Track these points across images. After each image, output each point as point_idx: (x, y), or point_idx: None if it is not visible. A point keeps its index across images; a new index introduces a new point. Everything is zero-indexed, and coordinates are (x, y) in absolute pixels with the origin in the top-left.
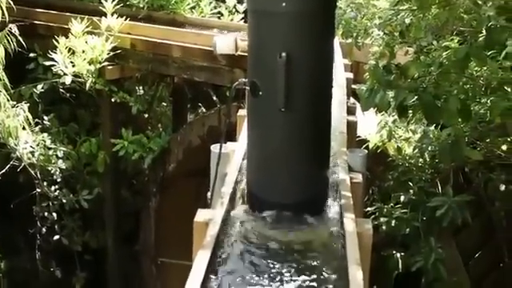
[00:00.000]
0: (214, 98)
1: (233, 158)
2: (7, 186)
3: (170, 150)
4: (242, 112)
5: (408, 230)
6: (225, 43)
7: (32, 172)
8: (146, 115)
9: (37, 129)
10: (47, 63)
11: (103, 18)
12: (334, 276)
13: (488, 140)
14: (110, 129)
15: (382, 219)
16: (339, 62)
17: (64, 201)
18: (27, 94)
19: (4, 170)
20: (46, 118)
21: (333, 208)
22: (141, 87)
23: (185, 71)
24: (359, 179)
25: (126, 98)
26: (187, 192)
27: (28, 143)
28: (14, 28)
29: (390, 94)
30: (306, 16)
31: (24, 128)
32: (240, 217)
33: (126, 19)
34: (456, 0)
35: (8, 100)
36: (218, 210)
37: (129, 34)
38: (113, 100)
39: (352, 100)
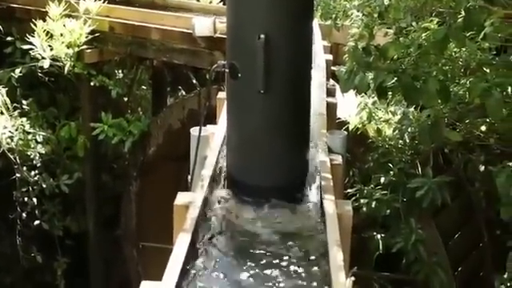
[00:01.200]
0: (194, 80)
1: (213, 141)
2: None
3: (150, 134)
4: (222, 94)
5: (388, 211)
6: (203, 25)
7: (11, 157)
8: (126, 99)
9: (15, 113)
10: (25, 47)
11: (81, 0)
12: (314, 258)
13: (467, 121)
14: (89, 113)
15: (362, 201)
16: (318, 44)
17: (44, 186)
18: (5, 79)
19: None
20: (24, 102)
21: (313, 190)
22: (120, 70)
23: (164, 54)
24: (339, 161)
25: (106, 81)
26: (168, 175)
27: (7, 128)
28: None
29: (370, 75)
30: None
31: (2, 113)
32: (220, 200)
33: (104, 2)
34: None
35: None
36: (197, 193)
37: (107, 16)
38: (92, 84)
39: (331, 82)
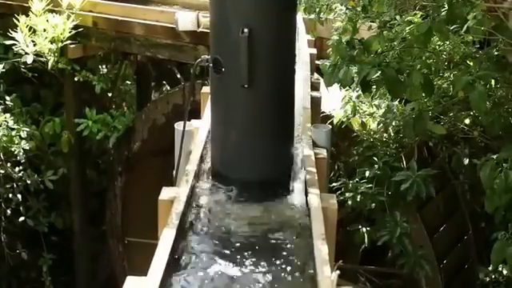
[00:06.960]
0: (178, 75)
1: (197, 136)
2: None
3: (135, 129)
4: (206, 89)
5: (373, 204)
6: (187, 19)
7: None
8: (110, 94)
9: None
10: (8, 42)
11: None
12: (298, 252)
13: (451, 114)
14: (73, 108)
15: (347, 194)
16: (303, 38)
17: (28, 182)
18: None
19: None
20: (8, 98)
21: (298, 184)
22: (104, 66)
23: (148, 49)
24: (324, 154)
25: (90, 76)
26: (153, 170)
27: None
28: None
29: (354, 69)
30: None
31: None
32: (205, 194)
33: None
34: None
35: None
36: (182, 188)
37: (90, 11)
38: (76, 79)
39: (316, 76)
